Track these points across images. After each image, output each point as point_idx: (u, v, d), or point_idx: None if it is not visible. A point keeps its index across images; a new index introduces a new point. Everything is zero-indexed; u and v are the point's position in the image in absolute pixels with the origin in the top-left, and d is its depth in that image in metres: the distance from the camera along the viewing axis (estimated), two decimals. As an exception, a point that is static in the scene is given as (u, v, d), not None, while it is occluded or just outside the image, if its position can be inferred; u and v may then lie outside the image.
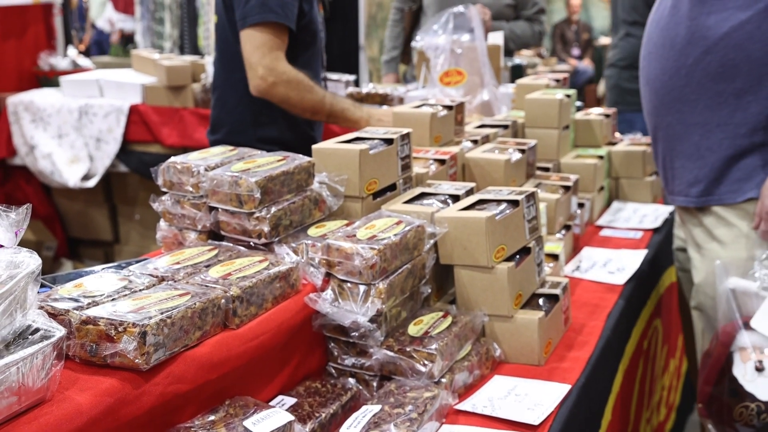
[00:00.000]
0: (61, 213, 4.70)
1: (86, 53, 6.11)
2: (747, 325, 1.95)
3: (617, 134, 2.96)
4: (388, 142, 1.79)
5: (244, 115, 2.67)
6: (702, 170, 2.15)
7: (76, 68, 4.90)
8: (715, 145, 2.11)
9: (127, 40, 7.25)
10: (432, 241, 1.61)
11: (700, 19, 2.06)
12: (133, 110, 4.22)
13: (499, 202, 1.70)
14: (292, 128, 2.70)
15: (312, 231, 1.61)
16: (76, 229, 4.72)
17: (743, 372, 1.91)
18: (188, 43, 6.44)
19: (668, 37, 2.14)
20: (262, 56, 2.46)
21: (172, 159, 1.61)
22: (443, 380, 1.46)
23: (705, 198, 2.17)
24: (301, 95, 2.51)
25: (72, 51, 5.16)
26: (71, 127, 4.34)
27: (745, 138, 2.07)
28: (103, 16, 7.79)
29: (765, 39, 2.01)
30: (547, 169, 2.44)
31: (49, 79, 4.77)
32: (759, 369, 1.89)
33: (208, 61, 4.29)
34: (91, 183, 4.31)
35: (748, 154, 2.08)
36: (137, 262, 1.49)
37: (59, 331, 1.05)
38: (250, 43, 2.47)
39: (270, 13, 2.44)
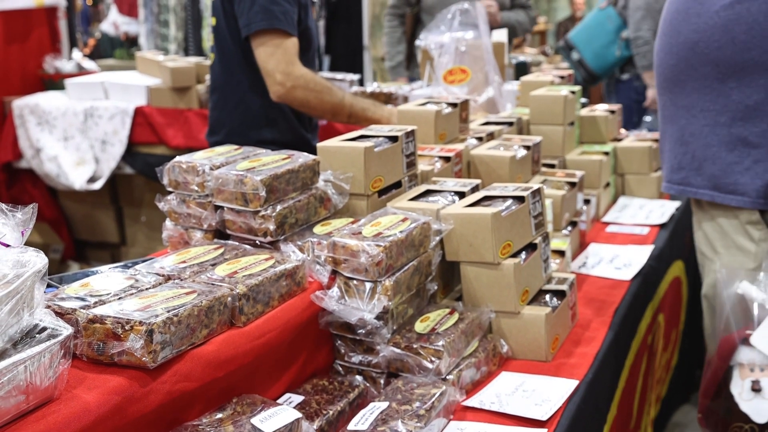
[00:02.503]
0: (67, 215, 4.71)
1: (92, 56, 6.13)
2: (746, 340, 1.87)
3: (622, 130, 2.96)
4: (393, 139, 1.79)
5: (244, 117, 2.69)
6: (685, 156, 2.08)
7: (81, 71, 4.92)
8: (697, 131, 2.03)
9: (132, 42, 7.26)
10: (438, 238, 1.61)
11: None
12: (138, 112, 4.23)
13: (504, 198, 1.70)
14: (290, 130, 2.71)
15: (317, 229, 1.61)
16: (83, 231, 4.73)
17: (740, 390, 1.84)
18: (192, 45, 6.45)
19: (670, 11, 2.06)
20: (278, 62, 2.48)
21: (177, 158, 1.61)
22: (450, 377, 1.46)
23: (683, 187, 2.10)
24: (320, 97, 2.53)
25: (77, 54, 5.17)
26: (77, 129, 4.35)
27: (725, 127, 1.98)
28: (108, 18, 7.81)
29: (751, 22, 1.91)
30: (552, 166, 2.44)
31: (55, 82, 4.79)
32: (756, 390, 1.82)
33: (213, 62, 4.29)
34: (97, 185, 4.32)
35: (727, 148, 1.99)
36: (143, 261, 1.50)
37: (66, 330, 1.05)
38: (263, 51, 2.49)
39: (275, 20, 2.46)
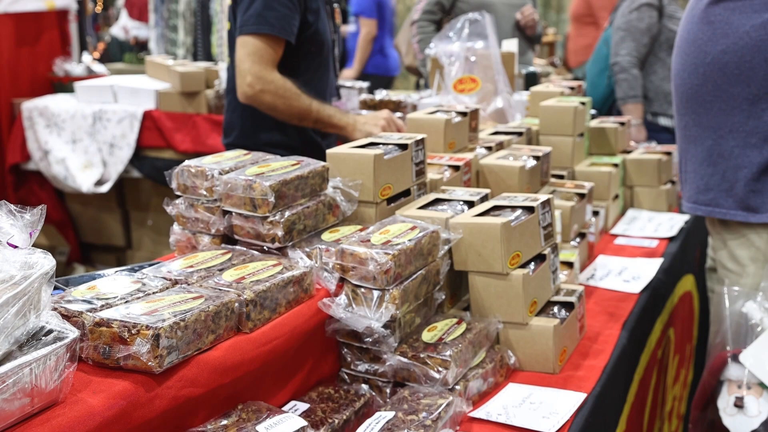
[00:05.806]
0: (74, 218, 4.71)
1: (101, 59, 6.15)
2: (737, 357, 1.89)
3: (632, 142, 2.95)
4: (403, 147, 1.78)
5: (253, 119, 2.71)
6: (713, 177, 2.05)
7: (91, 74, 4.93)
8: (727, 152, 2.01)
9: (141, 47, 7.28)
10: (446, 247, 1.60)
11: (724, 15, 1.95)
12: (147, 116, 4.24)
13: (513, 208, 1.69)
14: (299, 133, 2.72)
15: (326, 236, 1.60)
16: (89, 234, 4.73)
17: (725, 404, 1.87)
18: (201, 51, 6.46)
19: (692, 31, 2.04)
20: (252, 64, 2.51)
21: (187, 162, 1.61)
22: (457, 387, 1.45)
23: (712, 208, 2.07)
24: (288, 103, 2.55)
25: (87, 57, 5.19)
26: (85, 132, 4.36)
27: (755, 149, 1.96)
28: (118, 23, 7.84)
29: None
30: (561, 177, 2.43)
31: (64, 85, 4.80)
32: (738, 405, 1.85)
33: (222, 68, 4.30)
34: (104, 188, 4.32)
35: (758, 169, 1.97)
36: (150, 265, 1.49)
37: (72, 333, 1.04)
38: (242, 50, 2.53)
39: (264, 26, 2.48)
